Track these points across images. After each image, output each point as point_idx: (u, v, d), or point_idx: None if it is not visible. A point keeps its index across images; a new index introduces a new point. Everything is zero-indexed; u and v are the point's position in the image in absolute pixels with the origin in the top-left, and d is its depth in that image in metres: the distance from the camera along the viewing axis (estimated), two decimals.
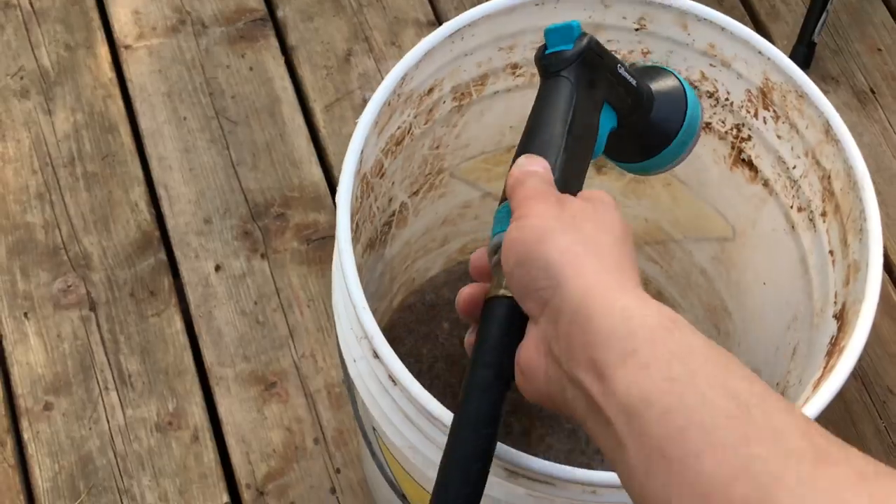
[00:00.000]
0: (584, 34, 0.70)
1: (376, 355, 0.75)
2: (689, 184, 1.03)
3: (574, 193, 0.65)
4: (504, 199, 0.65)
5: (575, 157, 0.67)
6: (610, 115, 0.73)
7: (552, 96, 0.70)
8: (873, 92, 1.40)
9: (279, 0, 1.39)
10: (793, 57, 1.38)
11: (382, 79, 1.37)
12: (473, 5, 0.90)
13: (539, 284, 0.55)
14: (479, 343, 0.62)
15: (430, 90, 0.90)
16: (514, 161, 0.66)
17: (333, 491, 1.12)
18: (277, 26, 1.38)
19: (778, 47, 1.41)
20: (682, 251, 1.09)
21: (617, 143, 0.77)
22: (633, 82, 0.75)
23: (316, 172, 1.28)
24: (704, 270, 1.08)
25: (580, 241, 0.56)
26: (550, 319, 0.55)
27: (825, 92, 1.42)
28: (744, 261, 1.02)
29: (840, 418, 1.18)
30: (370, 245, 0.97)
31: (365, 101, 1.36)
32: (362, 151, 0.82)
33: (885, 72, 1.41)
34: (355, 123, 1.31)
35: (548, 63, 0.70)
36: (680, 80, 0.79)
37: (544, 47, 0.71)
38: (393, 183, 0.96)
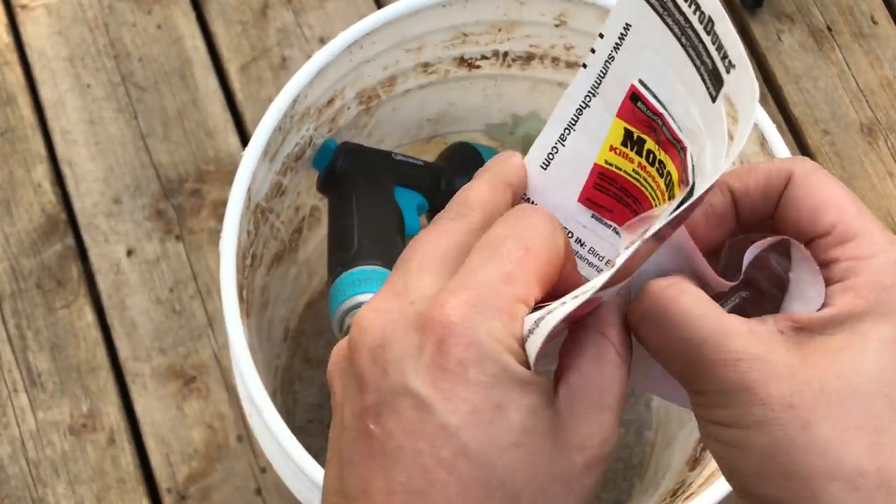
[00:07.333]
0: (342, 146, 0.83)
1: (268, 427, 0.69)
2: None
3: (389, 258, 0.75)
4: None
5: (376, 234, 0.79)
6: (411, 194, 0.85)
7: (337, 202, 0.82)
8: (830, 30, 1.31)
9: None
10: None
11: (302, 33, 1.28)
12: None
13: None
14: None
15: (331, 101, 0.82)
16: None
17: (259, 492, 1.07)
18: None
19: None
20: None
21: None
22: (419, 162, 0.87)
23: (232, 142, 1.20)
24: None
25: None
26: None
27: (779, 32, 1.33)
28: None
29: None
30: (277, 258, 0.90)
31: (284, 60, 1.26)
32: (249, 189, 0.74)
33: (843, 6, 1.32)
34: (275, 86, 1.22)
35: (321, 182, 0.84)
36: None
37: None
38: (298, 193, 0.88)
